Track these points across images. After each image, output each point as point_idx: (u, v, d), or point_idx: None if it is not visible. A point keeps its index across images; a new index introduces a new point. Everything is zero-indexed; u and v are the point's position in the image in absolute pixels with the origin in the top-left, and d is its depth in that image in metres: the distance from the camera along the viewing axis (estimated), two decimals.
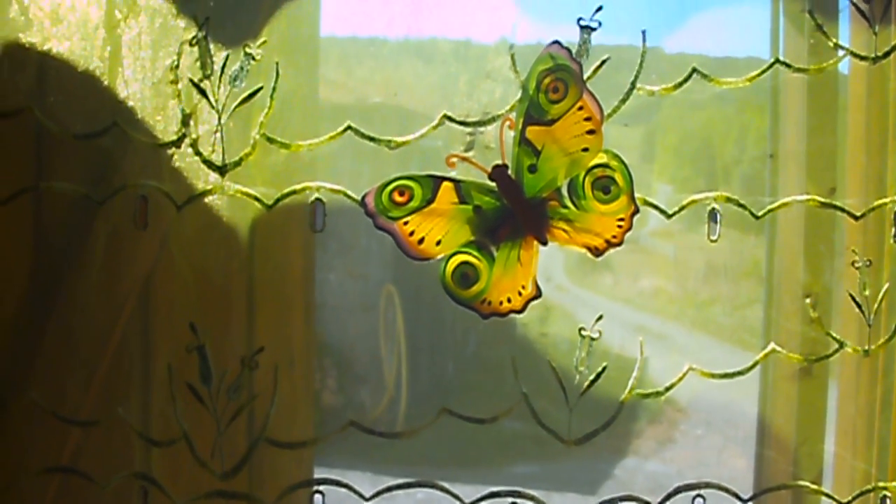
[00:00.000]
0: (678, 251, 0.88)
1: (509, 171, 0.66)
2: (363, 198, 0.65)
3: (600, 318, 0.75)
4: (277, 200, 0.74)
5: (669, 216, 0.75)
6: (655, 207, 0.74)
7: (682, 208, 0.75)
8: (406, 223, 0.66)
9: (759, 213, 0.77)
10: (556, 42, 0.66)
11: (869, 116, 0.83)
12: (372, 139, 0.74)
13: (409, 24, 0.80)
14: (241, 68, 0.72)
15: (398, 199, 0.65)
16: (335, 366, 0.86)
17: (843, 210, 0.77)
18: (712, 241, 0.76)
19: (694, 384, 0.70)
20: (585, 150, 0.66)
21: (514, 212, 0.66)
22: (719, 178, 0.88)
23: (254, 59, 0.72)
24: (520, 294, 0.68)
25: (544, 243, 0.68)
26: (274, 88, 0.73)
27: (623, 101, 0.72)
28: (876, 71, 0.79)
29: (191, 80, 0.73)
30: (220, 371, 0.73)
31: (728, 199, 0.76)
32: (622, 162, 0.68)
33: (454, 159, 0.66)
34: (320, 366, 0.84)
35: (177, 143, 0.74)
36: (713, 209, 0.76)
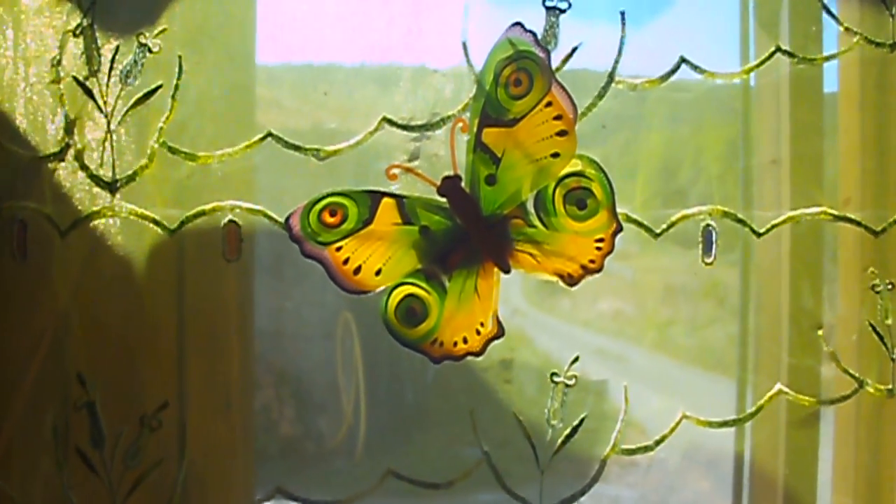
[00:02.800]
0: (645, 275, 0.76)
1: (462, 184, 0.57)
2: (287, 219, 0.56)
3: (576, 360, 0.62)
4: (182, 224, 0.60)
5: (657, 235, 0.63)
6: (640, 225, 0.62)
7: (671, 225, 0.63)
8: (339, 249, 0.56)
9: (762, 230, 0.65)
10: (518, 24, 0.55)
11: (864, 113, 0.71)
12: (297, 148, 0.62)
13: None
14: (135, 62, 0.59)
15: (329, 219, 0.56)
16: (293, 395, 0.77)
17: (859, 224, 0.65)
18: (707, 263, 0.64)
19: (658, 408, 0.65)
20: (555, 155, 0.56)
21: (469, 233, 0.57)
22: (689, 194, 0.75)
23: (150, 51, 0.59)
24: (478, 333, 0.58)
25: (506, 271, 0.58)
26: (176, 87, 0.60)
27: (600, 95, 0.60)
28: (872, 64, 0.67)
29: (74, 78, 0.60)
30: (116, 432, 0.60)
31: (725, 214, 0.64)
32: (601, 169, 0.56)
33: (395, 171, 0.57)
34: (278, 395, 0.76)
35: (59, 155, 0.60)
36: (708, 226, 0.63)
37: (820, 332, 0.70)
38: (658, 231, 0.63)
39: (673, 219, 0.64)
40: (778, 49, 0.64)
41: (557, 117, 0.56)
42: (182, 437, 0.62)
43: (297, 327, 0.76)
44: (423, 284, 0.57)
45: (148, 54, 0.60)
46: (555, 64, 0.60)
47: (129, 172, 0.59)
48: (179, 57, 0.61)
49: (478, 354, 0.58)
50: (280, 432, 0.76)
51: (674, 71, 0.62)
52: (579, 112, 0.57)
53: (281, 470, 0.74)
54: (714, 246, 0.64)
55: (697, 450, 0.71)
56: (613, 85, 0.61)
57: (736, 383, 0.75)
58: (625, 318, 0.81)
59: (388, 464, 0.63)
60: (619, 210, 0.58)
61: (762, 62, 0.64)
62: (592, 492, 0.62)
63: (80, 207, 0.62)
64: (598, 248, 0.58)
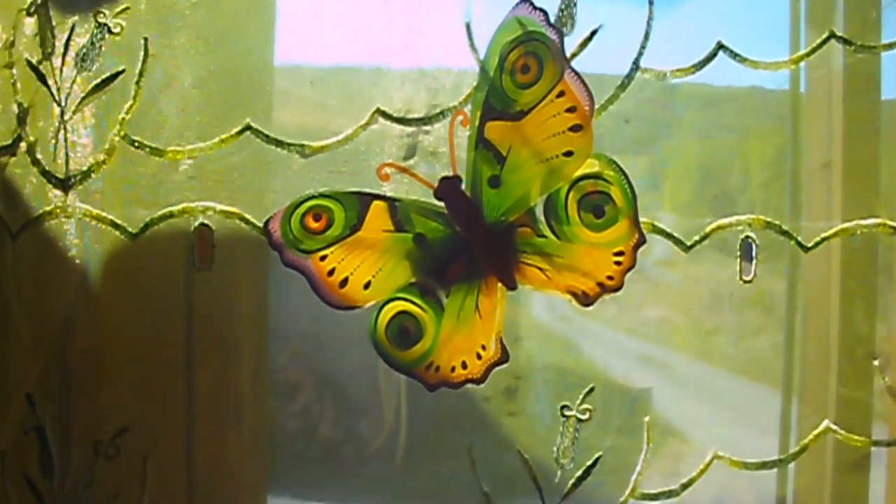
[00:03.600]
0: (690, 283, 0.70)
1: (463, 186, 0.51)
2: (266, 224, 0.50)
3: (591, 390, 0.54)
4: (146, 227, 0.53)
5: (687, 248, 0.54)
6: (668, 236, 0.53)
7: (704, 237, 0.54)
8: (323, 258, 0.51)
9: (810, 243, 0.56)
10: (526, 0, 0.47)
11: None
12: (278, 143, 0.54)
13: None
14: (93, 44, 0.52)
15: (313, 224, 0.51)
16: (334, 398, 0.73)
17: None
18: (745, 280, 0.55)
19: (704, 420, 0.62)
20: (569, 154, 0.50)
21: (469, 242, 0.51)
22: (737, 200, 0.67)
23: (110, 31, 0.52)
24: (478, 357, 0.52)
25: (511, 287, 0.52)
26: (140, 73, 0.53)
27: (622, 86, 0.52)
28: None
29: (28, 62, 0.53)
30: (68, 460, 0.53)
31: (768, 225, 0.55)
32: (621, 171, 0.49)
33: (388, 170, 0.51)
34: (319, 398, 0.72)
35: (10, 149, 0.54)
36: (747, 238, 0.55)
37: (875, 363, 0.62)
38: (689, 243, 0.55)
39: (707, 230, 0.56)
40: (832, 35, 0.55)
41: (571, 109, 0.49)
42: (144, 470, 0.55)
43: (338, 330, 0.71)
44: (418, 300, 0.52)
45: (108, 35, 0.53)
46: (571, 49, 0.52)
47: (84, 168, 0.52)
48: (145, 40, 0.53)
49: (479, 381, 0.52)
50: (320, 435, 0.72)
51: (710, 59, 0.55)
52: (598, 104, 0.49)
53: (320, 473, 0.71)
54: (754, 261, 0.56)
55: (732, 494, 0.63)
56: (639, 74, 0.53)
57: (779, 406, 0.68)
58: (670, 325, 0.77)
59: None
60: (643, 219, 0.49)
61: (813, 50, 0.56)
62: None
63: (34, 206, 0.55)
64: (618, 263, 0.50)
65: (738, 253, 0.56)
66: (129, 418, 0.55)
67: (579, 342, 0.73)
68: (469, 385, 0.52)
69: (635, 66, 0.54)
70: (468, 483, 0.55)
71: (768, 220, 0.56)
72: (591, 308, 0.51)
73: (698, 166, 0.68)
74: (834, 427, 0.59)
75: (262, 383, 0.68)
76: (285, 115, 0.61)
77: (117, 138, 0.54)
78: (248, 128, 0.56)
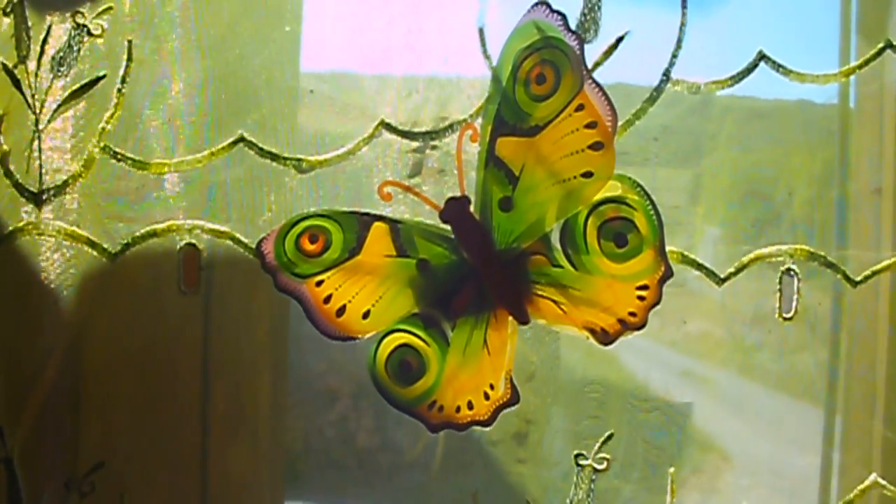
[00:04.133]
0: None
1: (472, 208, 0.46)
2: (259, 245, 0.47)
3: (610, 436, 0.49)
4: (127, 246, 0.49)
5: (722, 281, 0.49)
6: (700, 268, 0.48)
7: (740, 269, 0.49)
8: (319, 284, 0.47)
9: (859, 277, 0.50)
10: (544, 3, 0.42)
11: None
12: (273, 157, 0.50)
13: None
14: (70, 47, 0.48)
15: (308, 247, 0.47)
16: (371, 406, 0.70)
17: None
18: (786, 318, 0.50)
19: (743, 436, 0.59)
20: (588, 175, 0.45)
21: (478, 270, 0.47)
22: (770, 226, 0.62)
23: (90, 33, 0.48)
24: (486, 397, 0.48)
25: (523, 321, 0.47)
26: (123, 79, 0.48)
27: (651, 99, 0.47)
28: None
29: (3, 66, 0.49)
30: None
31: (812, 256, 0.50)
32: (646, 196, 0.44)
33: (390, 188, 0.47)
34: (356, 406, 0.69)
35: None
36: (788, 271, 0.49)
37: None
38: (723, 276, 0.49)
39: (745, 260, 0.50)
40: (888, 45, 0.50)
41: (591, 125, 0.44)
42: None
43: None
44: (421, 333, 0.48)
45: (88, 38, 0.48)
46: (593, 58, 0.46)
47: (58, 181, 0.48)
48: (129, 42, 0.49)
49: (486, 424, 0.48)
50: (357, 444, 0.69)
51: (750, 70, 0.49)
52: (623, 120, 0.43)
53: (355, 481, 0.68)
54: (795, 296, 0.50)
55: (782, 478, 0.59)
56: (670, 86, 0.48)
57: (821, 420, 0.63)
58: (712, 340, 0.73)
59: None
60: (671, 248, 0.44)
61: (866, 62, 0.50)
62: None
63: (6, 222, 0.50)
64: (641, 299, 0.45)
65: (778, 287, 0.50)
66: (110, 452, 0.51)
67: (619, 354, 0.70)
68: (475, 428, 0.47)
69: (665, 77, 0.49)
70: None
71: (811, 250, 0.51)
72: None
73: (739, 183, 0.63)
74: (882, 481, 0.53)
75: (281, 395, 0.64)
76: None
77: (96, 150, 0.49)
78: (241, 139, 0.51)
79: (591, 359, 0.52)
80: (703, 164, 0.61)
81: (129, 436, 0.54)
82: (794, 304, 0.51)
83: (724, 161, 0.62)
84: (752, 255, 0.50)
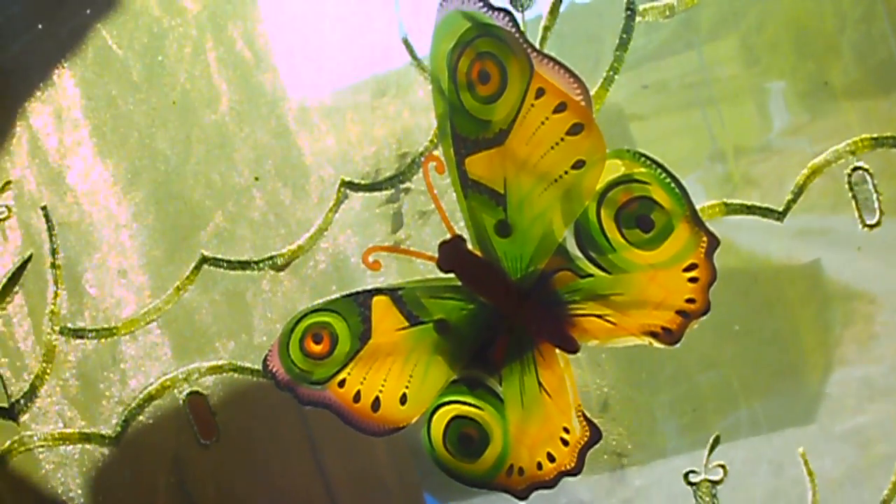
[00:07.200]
0: None
1: (469, 245, 0.40)
2: (265, 363, 0.42)
3: (717, 441, 0.41)
4: (125, 424, 0.43)
5: (780, 214, 0.41)
6: (753, 211, 0.40)
7: (798, 193, 0.41)
8: (342, 384, 0.42)
9: None
10: None
11: None
12: (244, 265, 0.44)
13: None
14: None
15: (315, 349, 0.42)
16: None
17: None
18: (869, 225, 0.42)
19: (882, 272, 0.51)
20: (580, 164, 0.37)
21: (502, 311, 0.41)
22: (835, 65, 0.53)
23: None
24: (565, 443, 0.42)
25: (572, 350, 0.40)
26: (53, 251, 0.43)
27: (622, 45, 0.39)
28: None
29: None
30: None
31: (876, 142, 0.41)
32: (654, 163, 0.36)
33: (374, 256, 0.41)
34: None
35: None
36: (855, 170, 0.41)
37: None
38: (781, 209, 0.41)
39: (798, 181, 0.42)
40: None
41: (560, 108, 0.36)
42: None
43: None
44: (469, 399, 0.42)
45: None
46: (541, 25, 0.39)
47: (26, 389, 0.42)
48: (44, 209, 0.43)
49: (574, 472, 0.42)
50: None
51: None
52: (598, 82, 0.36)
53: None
54: (875, 194, 0.42)
55: None
56: (638, 20, 0.40)
57: None
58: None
59: None
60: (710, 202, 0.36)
61: None
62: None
63: None
64: (693, 280, 0.37)
65: (850, 193, 0.42)
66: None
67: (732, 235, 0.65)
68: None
69: (630, 10, 0.40)
70: None
71: (874, 136, 0.42)
72: None
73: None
74: None
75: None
76: None
77: (53, 336, 0.44)
78: (205, 260, 0.45)
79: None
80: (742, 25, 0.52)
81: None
82: (876, 204, 0.42)
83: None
84: (805, 172, 0.42)
